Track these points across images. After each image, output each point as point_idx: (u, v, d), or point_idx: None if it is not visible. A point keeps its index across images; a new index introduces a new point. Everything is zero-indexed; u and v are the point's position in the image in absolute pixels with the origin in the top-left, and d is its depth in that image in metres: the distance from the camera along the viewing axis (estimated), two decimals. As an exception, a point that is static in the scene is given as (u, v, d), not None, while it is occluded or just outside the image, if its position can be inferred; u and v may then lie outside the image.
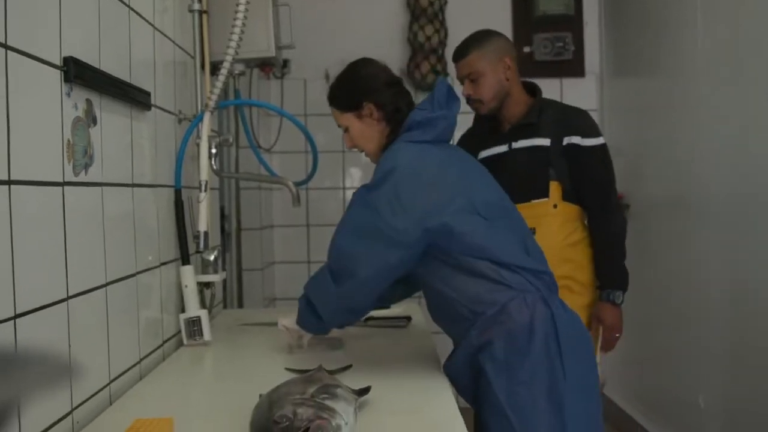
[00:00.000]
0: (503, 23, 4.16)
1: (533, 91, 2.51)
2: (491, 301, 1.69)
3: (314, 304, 1.83)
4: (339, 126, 1.97)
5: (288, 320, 1.99)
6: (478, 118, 2.59)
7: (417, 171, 1.74)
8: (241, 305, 3.36)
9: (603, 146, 2.40)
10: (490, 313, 1.69)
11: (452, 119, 1.85)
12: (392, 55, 3.86)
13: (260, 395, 1.32)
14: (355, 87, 1.92)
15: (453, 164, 1.83)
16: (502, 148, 2.45)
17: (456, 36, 3.93)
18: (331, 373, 1.58)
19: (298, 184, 2.41)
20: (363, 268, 1.72)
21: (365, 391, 1.46)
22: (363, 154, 1.98)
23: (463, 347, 1.74)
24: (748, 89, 2.71)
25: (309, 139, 2.49)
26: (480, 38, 2.45)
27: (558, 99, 2.93)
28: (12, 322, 1.17)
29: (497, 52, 2.42)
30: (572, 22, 4.31)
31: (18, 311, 1.19)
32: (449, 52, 4.16)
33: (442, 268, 1.73)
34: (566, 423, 1.61)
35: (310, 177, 2.55)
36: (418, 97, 1.99)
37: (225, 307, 2.98)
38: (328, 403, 1.21)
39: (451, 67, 4.09)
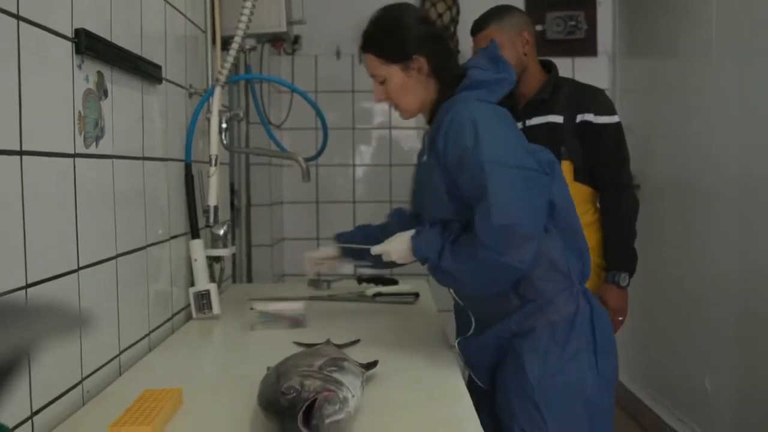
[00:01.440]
0: (516, 1, 4.11)
1: (550, 69, 2.50)
2: (541, 291, 1.65)
3: (462, 283, 1.67)
4: (372, 76, 1.76)
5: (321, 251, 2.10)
6: None
7: (500, 122, 1.64)
8: (250, 280, 3.38)
9: (617, 125, 2.39)
10: (539, 301, 1.65)
11: (511, 85, 1.74)
12: (404, 32, 3.83)
13: (268, 368, 1.34)
14: (406, 37, 1.72)
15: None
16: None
17: (468, 13, 3.89)
18: (339, 347, 1.59)
19: (308, 160, 2.41)
20: (534, 222, 1.53)
21: (372, 365, 1.48)
22: (388, 112, 1.85)
23: (497, 329, 1.70)
24: (763, 72, 2.68)
25: (319, 114, 2.49)
26: (499, 12, 2.45)
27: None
28: (24, 291, 1.18)
29: (516, 26, 2.41)
30: (585, 1, 4.26)
31: (29, 281, 1.20)
32: (461, 30, 4.17)
33: None
34: (593, 415, 1.63)
35: (320, 152, 2.54)
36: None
37: (234, 282, 3.00)
38: (336, 375, 1.22)
39: (463, 45, 4.11)
